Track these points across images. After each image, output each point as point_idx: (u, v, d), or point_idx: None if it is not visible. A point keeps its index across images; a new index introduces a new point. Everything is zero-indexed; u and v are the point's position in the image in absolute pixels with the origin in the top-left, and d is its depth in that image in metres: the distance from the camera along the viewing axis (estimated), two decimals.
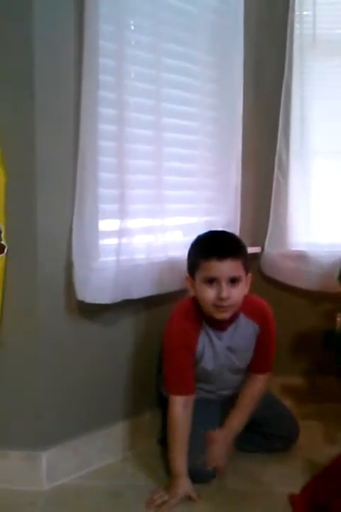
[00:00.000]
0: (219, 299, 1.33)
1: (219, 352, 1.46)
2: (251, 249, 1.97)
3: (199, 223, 1.76)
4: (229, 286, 1.34)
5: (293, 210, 1.98)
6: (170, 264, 1.62)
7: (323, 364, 1.93)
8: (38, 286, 1.39)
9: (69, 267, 1.42)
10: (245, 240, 1.92)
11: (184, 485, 1.34)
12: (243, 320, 1.46)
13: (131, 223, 1.52)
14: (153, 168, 1.60)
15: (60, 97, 1.40)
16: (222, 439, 1.42)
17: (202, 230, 1.75)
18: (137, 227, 1.56)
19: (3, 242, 1.36)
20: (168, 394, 1.44)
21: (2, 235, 1.36)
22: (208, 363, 1.46)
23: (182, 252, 1.66)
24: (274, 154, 1.99)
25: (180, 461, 1.37)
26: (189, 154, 1.75)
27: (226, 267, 1.33)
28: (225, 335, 1.45)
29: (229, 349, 1.47)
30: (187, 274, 1.45)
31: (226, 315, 1.38)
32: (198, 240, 1.45)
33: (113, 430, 1.60)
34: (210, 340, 1.44)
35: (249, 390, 1.50)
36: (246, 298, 1.44)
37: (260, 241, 2.02)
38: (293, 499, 1.31)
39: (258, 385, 1.51)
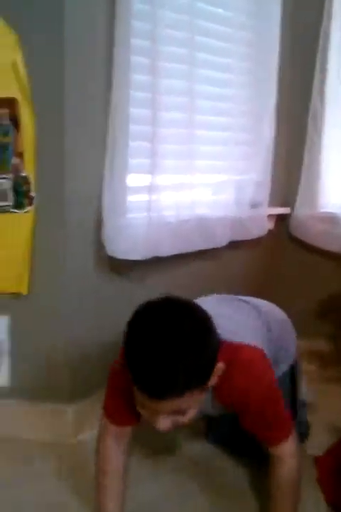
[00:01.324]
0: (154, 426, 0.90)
1: None
2: (280, 210, 1.94)
3: (229, 181, 1.73)
4: (172, 415, 0.88)
5: (326, 170, 1.91)
6: (199, 222, 1.58)
7: None
8: (67, 241, 1.37)
9: (98, 222, 1.40)
10: (275, 200, 1.91)
11: None
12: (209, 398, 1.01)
13: (161, 179, 1.49)
14: (185, 121, 1.55)
15: (91, 44, 1.34)
16: None
17: (231, 189, 1.74)
18: (167, 183, 1.52)
19: (32, 194, 1.34)
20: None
21: (31, 185, 1.34)
22: None
23: (211, 211, 1.64)
24: (308, 111, 1.90)
25: (108, 502, 1.06)
26: (222, 108, 1.69)
27: (163, 406, 0.85)
28: None
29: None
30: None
31: (165, 430, 0.90)
32: (131, 338, 0.92)
33: None
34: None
35: (276, 478, 1.03)
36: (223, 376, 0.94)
37: (290, 202, 1.96)
38: (317, 461, 1.32)
39: (282, 466, 1.02)
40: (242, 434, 1.08)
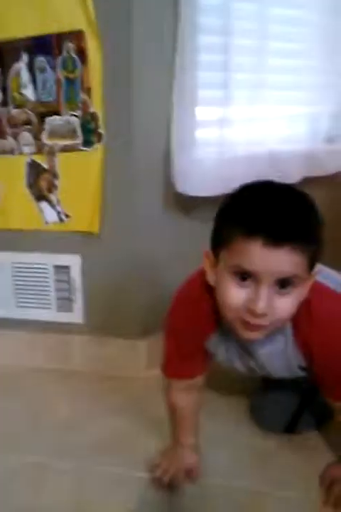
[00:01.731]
0: (251, 310, 0.75)
1: (242, 363, 0.99)
2: None
3: (303, 113, 1.62)
4: (273, 294, 0.74)
5: None
6: (271, 157, 1.49)
7: None
8: (135, 179, 1.35)
9: (167, 159, 1.36)
10: None
11: (190, 456, 1.06)
12: (289, 340, 0.89)
13: (232, 111, 1.41)
14: (257, 48, 1.44)
15: None
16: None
17: (305, 121, 1.63)
18: (239, 116, 1.44)
19: (100, 131, 1.32)
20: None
21: (100, 122, 1.32)
22: (223, 363, 1.01)
23: (283, 145, 1.55)
24: None
25: (183, 433, 1.06)
26: (295, 33, 1.54)
27: (276, 261, 0.72)
28: (253, 346, 0.92)
29: (257, 365, 0.97)
30: (208, 249, 0.86)
31: (256, 336, 0.81)
32: (238, 195, 0.79)
33: None
34: (227, 344, 0.95)
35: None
36: (309, 299, 0.83)
37: None
38: None
39: None
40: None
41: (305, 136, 1.62)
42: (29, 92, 1.34)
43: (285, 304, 0.76)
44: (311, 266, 0.77)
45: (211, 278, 0.84)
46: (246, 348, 0.94)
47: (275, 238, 0.70)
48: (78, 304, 1.49)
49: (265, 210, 0.72)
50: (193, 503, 1.00)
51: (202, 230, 1.51)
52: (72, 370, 1.51)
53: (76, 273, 1.46)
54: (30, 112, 1.35)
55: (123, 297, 1.46)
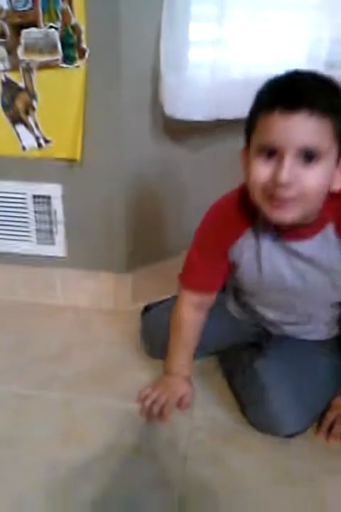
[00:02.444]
0: (275, 182, 0.75)
1: (272, 263, 0.92)
2: None
3: (301, 36, 1.50)
4: (298, 165, 0.74)
5: None
6: None
7: None
8: (122, 101, 1.25)
9: (156, 78, 1.25)
10: None
11: (183, 385, 1.04)
12: (331, 238, 0.85)
13: (227, 30, 1.29)
14: None
15: None
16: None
17: (303, 45, 1.52)
18: (234, 37, 1.32)
19: (83, 46, 1.20)
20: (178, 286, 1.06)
21: (83, 36, 1.20)
22: (246, 278, 0.97)
23: (282, 70, 1.45)
24: None
25: (179, 360, 1.05)
26: None
27: (295, 127, 0.72)
28: (289, 247, 0.89)
29: (295, 275, 0.91)
30: (243, 146, 0.86)
31: (285, 215, 0.78)
32: (265, 84, 0.80)
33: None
34: (258, 248, 0.91)
35: None
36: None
37: None
38: None
39: None
40: None
41: (305, 61, 1.51)
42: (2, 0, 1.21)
43: (312, 176, 0.74)
44: (339, 142, 0.76)
45: (245, 174, 0.84)
46: (284, 247, 0.89)
47: (291, 103, 0.72)
48: (60, 236, 1.41)
49: (283, 85, 0.76)
50: (178, 433, 0.98)
51: (193, 157, 1.45)
52: (56, 305, 1.47)
53: (57, 203, 1.37)
54: (3, 23, 1.22)
55: (107, 229, 1.39)
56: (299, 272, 0.89)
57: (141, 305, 1.32)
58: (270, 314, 1.02)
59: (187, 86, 1.25)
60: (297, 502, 0.83)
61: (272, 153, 0.76)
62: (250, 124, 0.81)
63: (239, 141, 1.48)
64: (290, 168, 0.73)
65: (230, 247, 0.94)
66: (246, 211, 0.90)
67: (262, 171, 0.77)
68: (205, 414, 1.03)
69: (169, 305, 1.10)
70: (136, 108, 1.27)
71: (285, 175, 0.73)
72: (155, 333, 1.18)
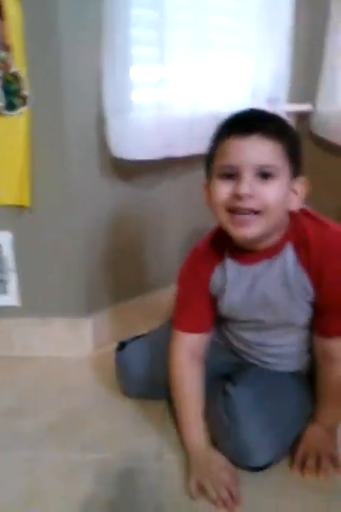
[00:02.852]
0: (236, 195, 0.81)
1: (240, 294, 0.96)
2: (300, 107, 1.78)
3: (245, 74, 1.56)
4: (255, 182, 0.81)
5: None
6: (216, 119, 1.42)
7: None
8: (67, 145, 1.25)
9: (101, 121, 1.26)
10: (295, 96, 1.73)
11: (219, 460, 0.94)
12: (289, 257, 0.89)
13: (170, 70, 1.33)
14: (195, 5, 1.36)
15: None
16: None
17: (247, 82, 1.58)
18: (178, 76, 1.36)
19: (25, 93, 1.20)
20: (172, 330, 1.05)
21: (23, 83, 1.19)
22: (220, 306, 1.00)
23: (226, 107, 1.49)
24: None
25: (197, 427, 0.98)
26: None
27: (250, 148, 0.81)
28: (253, 270, 0.93)
29: (259, 294, 0.94)
30: (205, 181, 0.92)
31: (247, 231, 0.83)
32: (222, 122, 0.90)
33: (157, 296, 1.54)
34: (226, 275, 0.96)
35: (323, 375, 0.96)
36: (304, 226, 0.89)
37: (312, 97, 1.78)
38: None
39: (337, 365, 0.93)
40: None
41: (249, 98, 1.57)
42: None
43: (269, 190, 0.82)
44: (291, 163, 0.84)
45: (209, 204, 0.91)
46: (249, 275, 0.93)
47: (246, 128, 0.81)
48: (12, 285, 1.37)
49: (237, 116, 0.86)
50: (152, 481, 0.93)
51: (142, 197, 1.45)
52: (12, 356, 1.40)
53: (7, 251, 1.34)
54: None
55: (62, 274, 1.36)
56: (263, 292, 0.93)
57: (103, 350, 1.29)
58: (246, 335, 1.03)
59: (133, 127, 1.27)
60: None
61: (231, 175, 0.84)
62: (209, 157, 0.90)
63: (190, 180, 1.51)
64: (249, 182, 0.81)
65: (208, 283, 0.99)
66: (216, 247, 0.97)
67: (223, 189, 0.84)
68: (177, 457, 0.99)
69: (148, 338, 1.14)
70: (82, 151, 1.27)
71: (245, 186, 0.81)
72: (134, 368, 1.13)
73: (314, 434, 0.95)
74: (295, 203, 0.87)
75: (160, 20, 1.29)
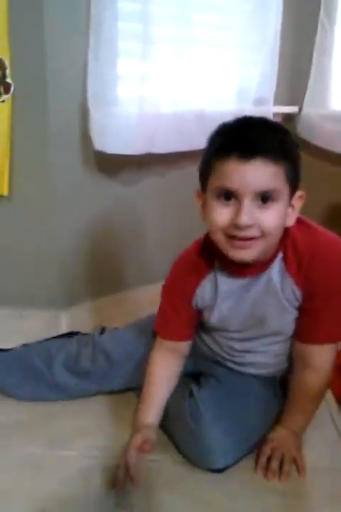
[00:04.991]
0: (235, 224, 0.79)
1: (230, 306, 0.95)
2: (287, 109, 1.77)
3: (231, 73, 1.56)
4: (255, 208, 0.79)
5: (338, 64, 1.72)
6: (199, 118, 1.42)
7: None
8: (50, 135, 1.23)
9: (85, 114, 1.25)
10: (282, 98, 1.73)
11: (136, 440, 0.92)
12: (276, 266, 0.89)
13: (154, 66, 1.32)
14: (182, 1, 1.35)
15: None
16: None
17: (233, 82, 1.57)
18: (162, 72, 1.35)
19: (8, 80, 1.18)
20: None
21: (8, 71, 1.18)
22: (212, 316, 0.97)
23: (211, 106, 1.48)
24: None
25: (142, 411, 0.98)
26: None
27: (252, 174, 0.77)
28: (243, 281, 0.92)
29: (249, 304, 0.93)
30: (197, 188, 0.90)
31: (246, 255, 0.83)
32: (217, 129, 0.85)
33: (131, 294, 1.54)
34: (217, 289, 0.94)
35: (296, 379, 0.96)
36: (294, 233, 0.88)
37: (298, 100, 1.78)
38: None
39: (315, 374, 0.93)
40: None
41: (233, 98, 1.57)
42: None
43: (269, 216, 0.80)
44: (291, 184, 0.82)
45: (202, 215, 0.89)
46: (239, 286, 0.92)
47: (248, 151, 0.77)
48: None
49: (238, 131, 0.80)
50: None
51: (123, 192, 1.44)
52: None
53: None
54: None
55: (38, 265, 1.35)
56: (253, 303, 0.92)
57: None
58: (232, 343, 1.01)
59: (116, 121, 1.26)
60: None
61: (230, 195, 0.80)
62: (205, 168, 0.85)
63: (172, 176, 1.51)
64: (248, 211, 0.78)
65: (193, 295, 0.96)
66: (203, 258, 0.94)
67: (222, 213, 0.81)
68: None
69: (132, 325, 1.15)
70: (64, 142, 1.27)
71: (244, 218, 0.77)
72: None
73: (279, 437, 0.95)
74: (292, 218, 0.85)
75: (146, 14, 1.28)
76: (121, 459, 0.91)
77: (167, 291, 1.01)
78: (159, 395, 0.99)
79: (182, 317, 0.99)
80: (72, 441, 1.01)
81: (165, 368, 1.01)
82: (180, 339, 1.01)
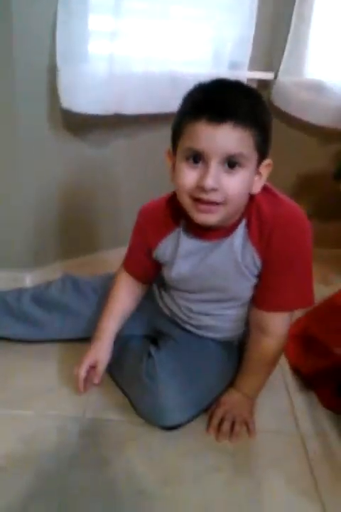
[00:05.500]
0: (201, 187, 0.80)
1: (189, 267, 0.97)
2: (262, 75, 1.75)
3: (206, 35, 1.52)
4: (222, 172, 0.80)
5: (316, 33, 1.69)
6: (171, 79, 1.39)
7: (324, 208, 1.83)
8: (15, 91, 1.20)
9: (52, 70, 1.21)
10: (257, 64, 1.71)
11: (100, 349, 1.01)
12: (239, 232, 0.91)
13: (126, 23, 1.28)
14: None
15: None
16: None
17: (208, 44, 1.54)
18: (134, 29, 1.31)
19: None
20: None
21: None
22: (171, 273, 0.99)
23: (184, 68, 1.45)
24: None
25: (107, 320, 1.05)
26: None
27: (220, 137, 0.77)
28: (206, 245, 0.94)
29: (208, 268, 0.95)
30: (168, 148, 0.90)
31: (209, 219, 0.84)
32: (191, 89, 0.84)
33: (100, 255, 1.54)
34: (178, 248, 0.96)
35: (252, 344, 0.99)
36: (259, 202, 0.89)
37: (274, 66, 1.76)
38: None
39: (271, 340, 0.96)
40: None
41: (208, 60, 1.54)
42: None
43: (234, 182, 0.81)
44: (259, 151, 0.82)
45: (171, 175, 0.89)
46: (201, 249, 0.94)
47: (218, 115, 0.77)
48: None
49: (210, 93, 0.80)
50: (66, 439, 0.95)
51: (91, 153, 1.42)
52: None
53: None
54: None
55: (5, 226, 1.32)
56: (213, 266, 0.94)
57: None
58: (189, 304, 1.04)
59: (85, 79, 1.23)
60: (183, 501, 0.84)
61: (198, 158, 0.81)
62: (177, 129, 0.85)
63: (142, 140, 1.48)
64: (214, 174, 0.79)
65: (155, 248, 0.99)
66: (174, 214, 0.95)
67: (189, 175, 0.82)
68: (96, 416, 1.00)
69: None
70: (31, 101, 1.23)
71: (210, 181, 0.79)
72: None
73: (232, 400, 0.99)
74: (258, 186, 0.87)
75: None
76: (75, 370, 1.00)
77: (134, 233, 1.05)
78: (118, 307, 1.06)
79: (143, 262, 1.04)
80: (28, 401, 1.03)
81: (126, 289, 1.07)
82: (138, 279, 1.08)
